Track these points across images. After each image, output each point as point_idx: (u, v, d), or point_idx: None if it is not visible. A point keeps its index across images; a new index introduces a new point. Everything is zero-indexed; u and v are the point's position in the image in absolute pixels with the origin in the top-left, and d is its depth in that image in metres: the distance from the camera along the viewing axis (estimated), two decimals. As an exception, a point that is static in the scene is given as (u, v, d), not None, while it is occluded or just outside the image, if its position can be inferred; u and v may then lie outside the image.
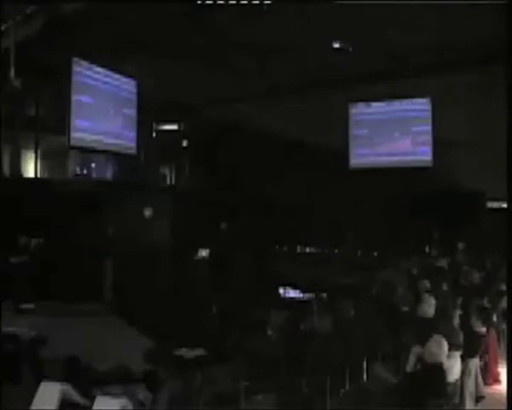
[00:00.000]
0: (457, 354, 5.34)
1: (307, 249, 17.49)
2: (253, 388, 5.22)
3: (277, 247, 16.99)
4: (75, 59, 12.30)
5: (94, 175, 15.24)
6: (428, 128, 15.08)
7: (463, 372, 5.56)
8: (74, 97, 12.31)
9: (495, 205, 15.67)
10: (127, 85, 14.07)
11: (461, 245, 13.86)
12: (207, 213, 14.22)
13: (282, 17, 10.40)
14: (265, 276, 12.26)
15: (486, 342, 6.49)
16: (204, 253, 13.58)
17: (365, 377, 6.21)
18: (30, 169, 14.24)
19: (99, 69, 13.05)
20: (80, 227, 11.20)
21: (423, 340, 5.17)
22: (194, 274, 11.80)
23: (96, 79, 13.05)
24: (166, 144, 17.45)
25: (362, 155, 16.13)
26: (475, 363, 6.01)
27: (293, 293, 11.07)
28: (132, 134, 14.26)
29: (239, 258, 13.18)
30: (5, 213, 10.00)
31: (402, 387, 4.95)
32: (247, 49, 12.10)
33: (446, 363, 4.99)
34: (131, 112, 14.21)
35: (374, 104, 16.02)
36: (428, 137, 15.09)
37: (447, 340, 5.04)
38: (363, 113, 16.25)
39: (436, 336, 5.02)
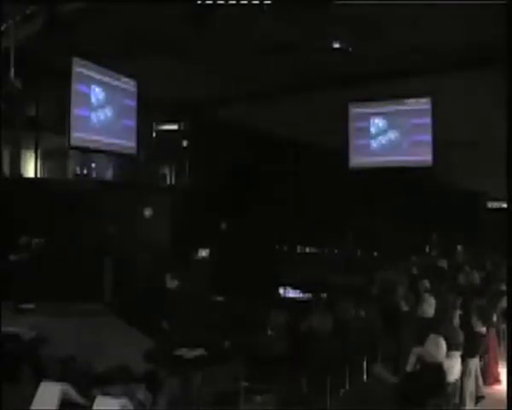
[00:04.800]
0: (457, 354, 5.34)
1: (307, 249, 17.49)
2: (253, 388, 5.21)
3: (277, 247, 16.97)
4: (75, 59, 12.30)
5: (94, 175, 15.24)
6: (428, 128, 15.09)
7: (463, 372, 5.55)
8: (74, 97, 12.32)
9: (495, 205, 15.68)
10: (127, 85, 14.07)
11: (461, 245, 13.86)
12: (207, 213, 14.21)
13: (281, 17, 10.40)
14: (265, 276, 12.25)
15: (486, 342, 6.49)
16: (204, 253, 13.56)
17: (365, 377, 6.21)
18: (30, 169, 14.24)
19: (99, 69, 13.05)
20: (80, 227, 11.20)
21: (423, 340, 5.16)
22: (194, 274, 11.79)
23: (97, 79, 13.05)
24: (166, 144, 17.44)
25: (362, 155, 16.14)
26: (475, 363, 6.01)
27: (293, 293, 11.06)
28: (132, 134, 14.26)
29: (239, 258, 13.17)
30: (5, 213, 10.00)
31: (402, 387, 4.94)
32: (246, 49, 12.10)
33: (446, 363, 4.98)
34: (131, 112, 14.21)
35: (374, 104, 16.02)
36: (428, 137, 15.10)
37: (447, 340, 5.03)
38: (363, 112, 16.25)
39: (433, 336, 5.01)
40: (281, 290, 11.16)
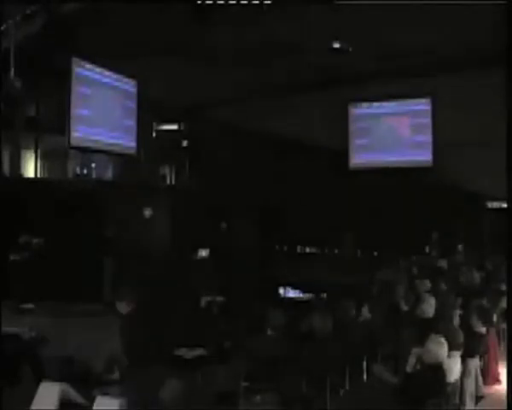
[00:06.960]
0: (457, 354, 5.34)
1: (307, 249, 17.50)
2: (253, 388, 5.21)
3: (277, 247, 16.99)
4: (75, 59, 12.30)
5: (94, 175, 15.23)
6: (428, 128, 15.09)
7: (463, 372, 5.55)
8: (74, 97, 12.32)
9: (495, 205, 15.67)
10: (127, 85, 14.07)
11: (461, 245, 13.87)
12: (207, 213, 14.22)
13: (281, 17, 10.40)
14: (265, 276, 12.26)
15: (486, 342, 6.49)
16: (204, 253, 13.57)
17: (365, 377, 6.21)
18: (30, 169, 14.24)
19: (99, 69, 13.05)
20: (80, 227, 11.20)
21: (423, 340, 5.16)
22: (194, 274, 11.79)
23: (97, 79, 13.05)
24: (166, 144, 17.44)
25: (362, 155, 16.13)
26: (475, 363, 6.01)
27: (293, 293, 11.06)
28: (132, 134, 14.25)
29: (239, 258, 13.17)
30: (5, 214, 10.00)
31: (402, 387, 4.94)
32: (246, 50, 12.10)
33: (446, 363, 4.98)
34: (132, 112, 14.21)
35: (374, 104, 16.02)
36: (428, 137, 15.10)
37: (447, 340, 5.03)
38: (363, 113, 16.25)
39: (434, 336, 5.01)
40: (281, 290, 11.16)
